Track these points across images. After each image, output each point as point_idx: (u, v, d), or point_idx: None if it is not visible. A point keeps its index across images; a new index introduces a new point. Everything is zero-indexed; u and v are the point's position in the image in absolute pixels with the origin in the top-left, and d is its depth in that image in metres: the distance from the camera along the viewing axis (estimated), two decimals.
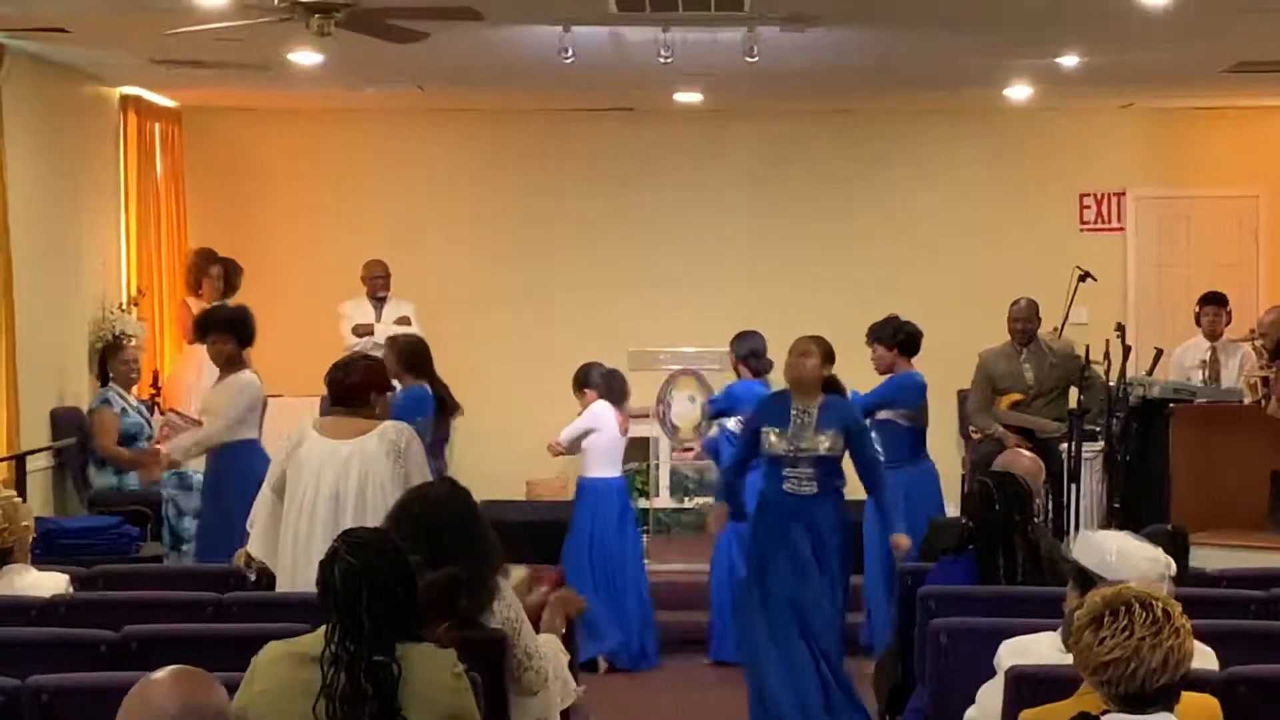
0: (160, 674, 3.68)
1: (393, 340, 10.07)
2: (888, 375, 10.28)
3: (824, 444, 8.49)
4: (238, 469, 9.08)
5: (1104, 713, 4.00)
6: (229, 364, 9.42)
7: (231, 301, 12.64)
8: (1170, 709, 3.96)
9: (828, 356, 8.65)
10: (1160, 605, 3.96)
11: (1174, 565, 5.06)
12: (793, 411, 8.54)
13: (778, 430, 8.55)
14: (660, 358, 11.31)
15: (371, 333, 12.84)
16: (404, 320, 12.99)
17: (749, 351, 10.43)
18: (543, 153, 14.60)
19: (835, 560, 8.57)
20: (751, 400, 9.69)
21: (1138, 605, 3.94)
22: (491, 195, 14.53)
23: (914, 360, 10.37)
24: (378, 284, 13.18)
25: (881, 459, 9.15)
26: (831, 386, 8.68)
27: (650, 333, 11.48)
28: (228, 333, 9.41)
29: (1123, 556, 5.00)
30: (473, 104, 14.20)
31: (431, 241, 14.34)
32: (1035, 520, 6.96)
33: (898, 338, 10.31)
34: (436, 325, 13.24)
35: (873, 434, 9.43)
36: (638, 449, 12.37)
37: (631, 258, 14.44)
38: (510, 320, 14.24)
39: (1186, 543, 6.78)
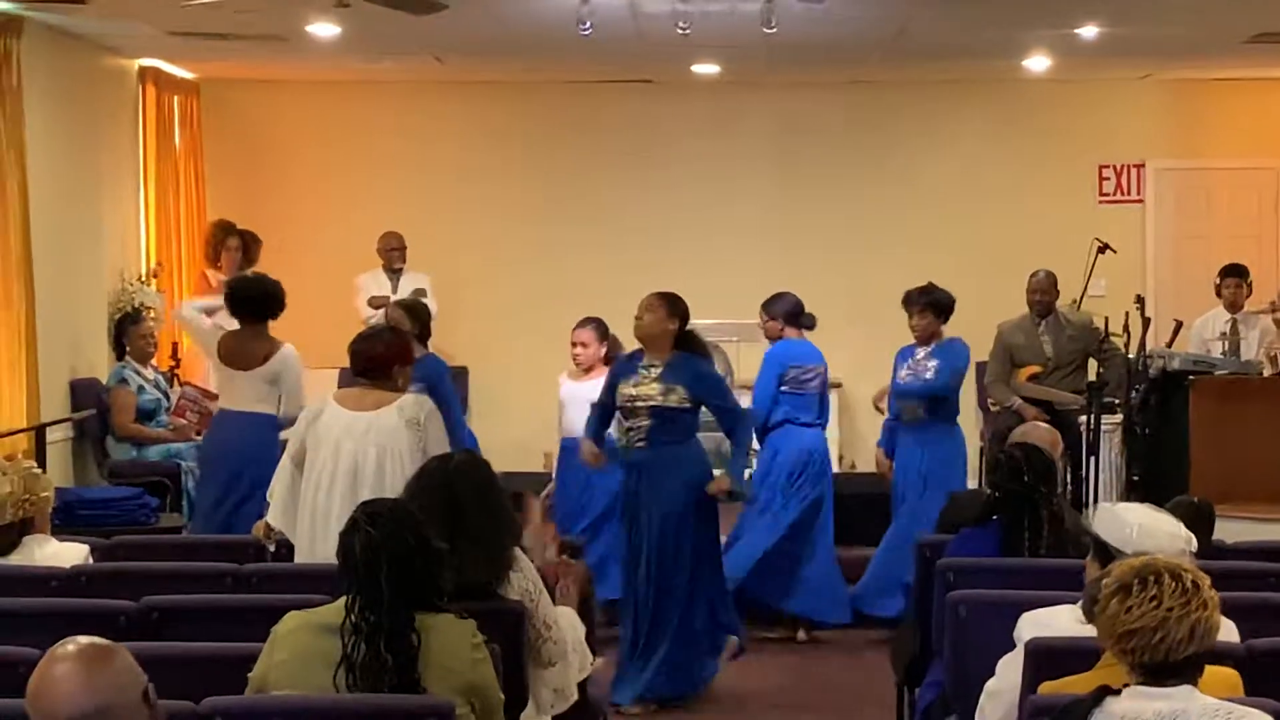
0: (61, 666, 3.53)
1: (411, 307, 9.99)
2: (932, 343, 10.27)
3: (660, 395, 8.65)
4: (258, 440, 9.14)
5: (1125, 685, 3.99)
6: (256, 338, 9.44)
7: (250, 274, 12.65)
8: (1194, 682, 3.95)
9: (676, 313, 8.78)
10: (1190, 576, 3.94)
11: (1194, 540, 5.05)
12: (640, 365, 8.75)
13: (624, 380, 8.78)
14: None
15: (387, 305, 12.84)
16: (420, 292, 12.98)
17: (791, 309, 10.40)
18: (560, 125, 14.59)
19: (677, 525, 8.69)
20: (812, 357, 10.15)
21: (1168, 575, 3.93)
22: (508, 167, 14.53)
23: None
24: (394, 256, 13.18)
25: (739, 408, 9.12)
26: (688, 345, 8.80)
27: None
28: (247, 309, 9.44)
29: (1144, 531, 5.00)
30: (490, 76, 14.18)
31: (449, 214, 14.34)
32: (1059, 493, 6.96)
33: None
34: (453, 297, 13.26)
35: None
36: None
37: (649, 230, 14.43)
38: (527, 292, 14.24)
39: (1212, 515, 6.76)
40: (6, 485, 6.57)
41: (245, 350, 9.41)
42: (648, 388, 8.70)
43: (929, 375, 10.10)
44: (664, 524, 8.69)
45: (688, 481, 8.73)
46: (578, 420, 10.14)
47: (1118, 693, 3.97)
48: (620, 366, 8.98)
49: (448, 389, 9.15)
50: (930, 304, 10.19)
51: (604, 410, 9.06)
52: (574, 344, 10.51)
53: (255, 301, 9.45)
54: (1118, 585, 3.97)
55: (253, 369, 9.37)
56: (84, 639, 3.61)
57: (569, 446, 10.41)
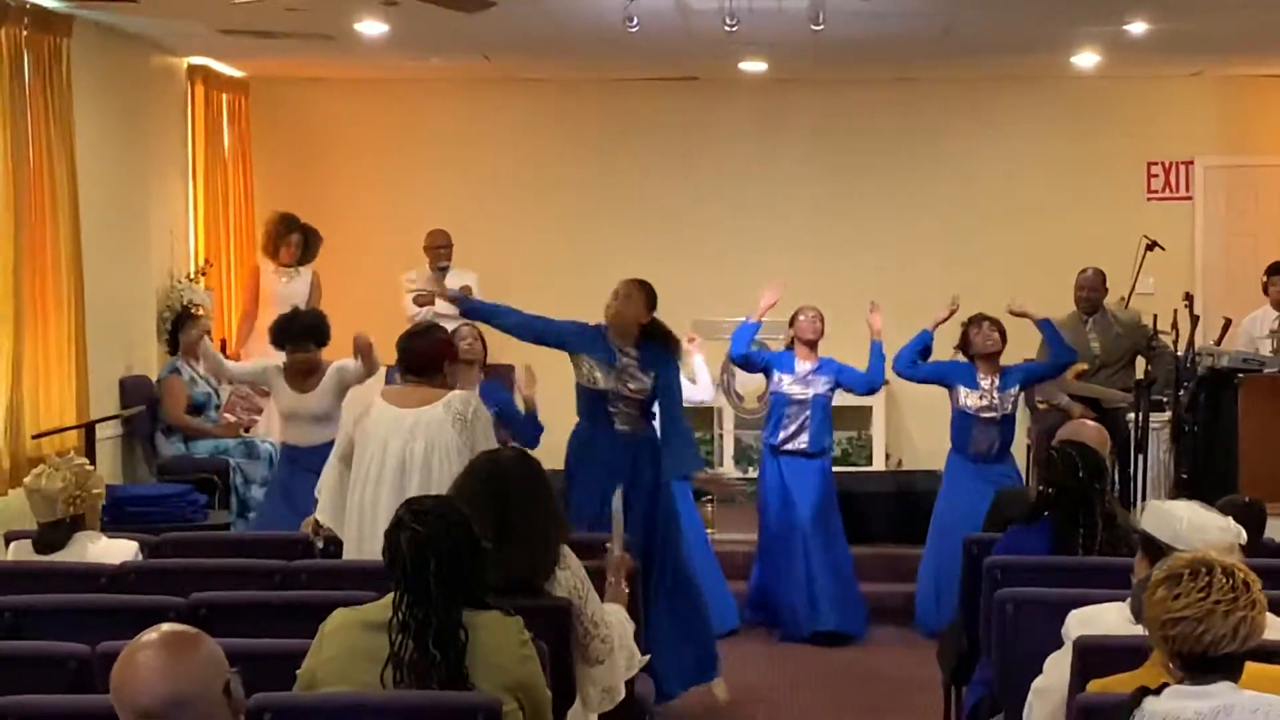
0: (144, 654, 3.52)
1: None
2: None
3: (648, 385, 8.65)
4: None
5: (1163, 686, 3.99)
6: (312, 370, 9.57)
7: (305, 269, 12.69)
8: (1233, 680, 3.95)
9: (652, 305, 8.72)
10: (1242, 575, 3.96)
11: (1244, 535, 5.05)
12: (617, 351, 8.65)
13: (598, 362, 8.66)
14: (723, 327, 11.27)
15: (432, 302, 12.85)
16: (466, 290, 12.98)
17: None
18: (607, 122, 14.60)
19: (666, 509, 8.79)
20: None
21: (1220, 571, 3.95)
22: (555, 165, 14.55)
23: None
24: (440, 254, 13.16)
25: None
26: (656, 334, 8.74)
27: (713, 302, 11.44)
28: (312, 340, 9.61)
29: (1193, 526, 5.00)
30: (538, 74, 14.20)
31: (495, 211, 14.36)
32: (1110, 491, 6.94)
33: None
34: (499, 295, 13.20)
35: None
36: (702, 418, 12.36)
37: (695, 227, 14.43)
38: (573, 290, 14.16)
39: (1262, 514, 6.73)
40: (58, 480, 6.62)
41: (304, 374, 9.65)
42: (636, 382, 8.66)
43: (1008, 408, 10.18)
44: (662, 510, 8.74)
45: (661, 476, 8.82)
46: None
47: (1157, 693, 3.97)
48: (586, 339, 8.78)
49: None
50: (998, 324, 10.25)
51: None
52: None
53: (311, 330, 9.74)
54: (1167, 574, 4.00)
55: (312, 392, 9.60)
56: (169, 626, 3.61)
57: None
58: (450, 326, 10.12)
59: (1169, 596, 3.95)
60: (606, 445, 8.70)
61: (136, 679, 3.49)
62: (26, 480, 6.81)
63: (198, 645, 3.56)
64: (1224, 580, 3.92)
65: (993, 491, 9.55)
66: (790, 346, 10.61)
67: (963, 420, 10.23)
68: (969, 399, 10.18)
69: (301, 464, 9.33)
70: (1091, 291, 11.44)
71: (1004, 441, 10.23)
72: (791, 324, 10.62)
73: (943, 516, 10.23)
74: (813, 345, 10.52)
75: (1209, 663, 3.94)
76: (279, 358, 9.79)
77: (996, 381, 10.19)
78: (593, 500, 8.37)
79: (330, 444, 9.34)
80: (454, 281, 13.02)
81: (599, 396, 8.67)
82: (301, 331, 9.70)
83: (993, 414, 10.14)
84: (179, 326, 11.74)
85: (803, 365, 10.49)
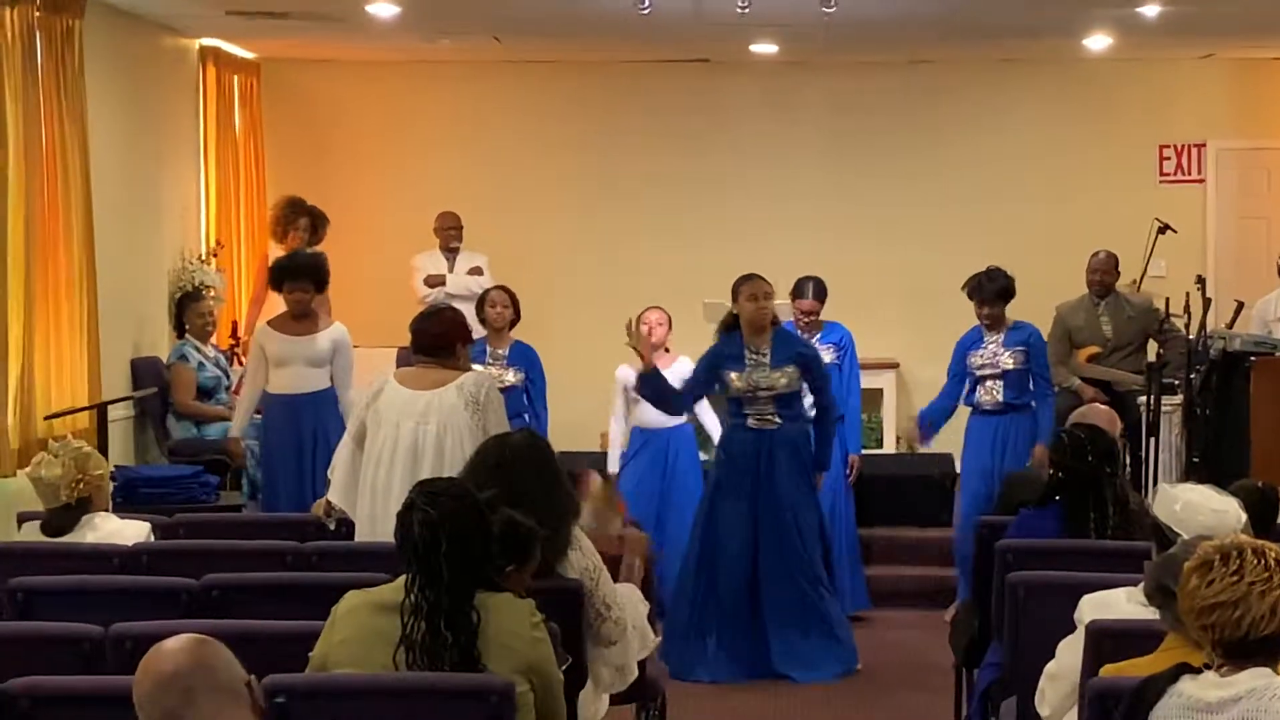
0: (170, 640, 3.65)
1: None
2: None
3: (783, 382, 9.12)
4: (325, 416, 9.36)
5: (1205, 666, 3.95)
6: (307, 312, 9.70)
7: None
8: (1273, 665, 3.88)
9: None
10: (1273, 554, 3.88)
11: (1244, 518, 5.01)
12: (748, 352, 9.17)
13: (732, 369, 9.14)
14: None
15: (443, 284, 12.83)
16: (476, 271, 12.96)
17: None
18: (618, 105, 14.57)
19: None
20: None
21: (1250, 552, 3.88)
22: (566, 147, 14.52)
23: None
24: (450, 235, 13.13)
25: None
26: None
27: (724, 285, 11.37)
28: (310, 279, 9.75)
29: (1189, 508, 4.98)
30: (548, 56, 14.18)
31: (506, 193, 14.34)
32: (1121, 474, 6.93)
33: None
34: (510, 277, 13.22)
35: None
36: (710, 402, 12.33)
37: (706, 209, 14.41)
38: (584, 272, 14.24)
39: (1275, 498, 6.71)
40: (57, 468, 6.61)
41: (300, 320, 9.89)
42: (767, 376, 9.11)
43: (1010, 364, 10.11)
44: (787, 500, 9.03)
45: (806, 463, 9.23)
46: (648, 410, 10.16)
47: (1196, 672, 3.93)
48: (721, 352, 9.27)
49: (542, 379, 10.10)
50: (999, 292, 10.12)
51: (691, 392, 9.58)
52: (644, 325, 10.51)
53: (310, 267, 10.04)
54: (1199, 562, 3.92)
55: (309, 334, 9.83)
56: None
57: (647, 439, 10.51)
58: (479, 292, 10.35)
59: (1202, 584, 3.87)
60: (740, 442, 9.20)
61: (162, 651, 3.58)
62: (27, 470, 6.81)
63: (218, 643, 3.64)
64: (1255, 561, 3.85)
65: (1000, 441, 9.97)
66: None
67: (970, 380, 10.24)
68: (973, 360, 10.17)
69: (293, 415, 9.72)
70: (1104, 274, 11.41)
71: (1008, 398, 10.12)
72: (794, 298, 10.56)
73: (963, 470, 10.31)
74: (812, 323, 10.47)
75: (1250, 647, 3.85)
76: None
77: (1001, 338, 10.14)
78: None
79: (323, 391, 9.59)
80: (465, 263, 13.02)
81: (737, 402, 9.19)
82: (300, 268, 10.02)
83: (993, 370, 10.10)
84: (183, 308, 11.72)
85: (807, 335, 10.39)
